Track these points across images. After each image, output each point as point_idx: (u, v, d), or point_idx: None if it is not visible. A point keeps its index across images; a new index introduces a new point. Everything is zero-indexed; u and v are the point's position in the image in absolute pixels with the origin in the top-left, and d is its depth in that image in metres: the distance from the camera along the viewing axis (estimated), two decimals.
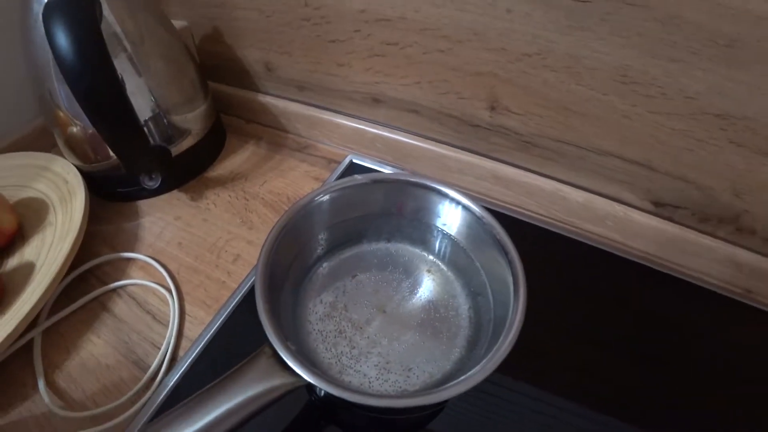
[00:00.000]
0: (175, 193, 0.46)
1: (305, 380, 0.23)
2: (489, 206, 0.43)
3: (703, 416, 0.31)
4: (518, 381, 0.32)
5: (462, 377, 0.23)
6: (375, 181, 0.34)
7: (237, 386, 0.23)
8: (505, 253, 0.29)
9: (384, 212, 0.36)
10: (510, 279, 0.28)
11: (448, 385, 0.23)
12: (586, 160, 0.40)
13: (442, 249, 0.35)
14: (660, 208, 0.40)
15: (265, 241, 0.29)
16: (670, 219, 0.40)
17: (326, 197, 0.33)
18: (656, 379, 0.33)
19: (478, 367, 0.24)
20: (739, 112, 0.32)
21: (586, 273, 0.40)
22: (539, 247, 0.41)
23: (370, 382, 0.30)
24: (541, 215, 0.44)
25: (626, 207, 0.41)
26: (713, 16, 0.29)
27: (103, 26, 0.34)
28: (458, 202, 0.32)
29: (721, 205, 0.37)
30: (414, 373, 0.30)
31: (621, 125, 0.37)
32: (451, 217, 0.33)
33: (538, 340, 0.34)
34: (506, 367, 0.31)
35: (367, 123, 0.48)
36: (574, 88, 0.36)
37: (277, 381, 0.23)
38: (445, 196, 0.33)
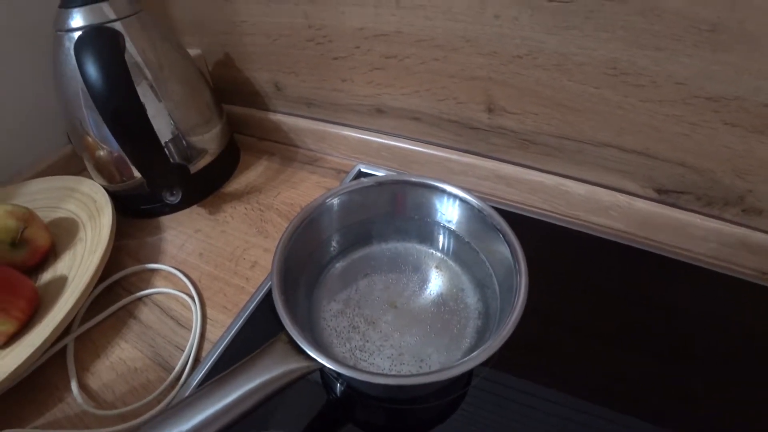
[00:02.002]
0: (194, 208, 0.48)
1: (319, 363, 0.24)
2: (495, 205, 0.44)
3: (722, 405, 0.30)
4: (534, 382, 0.31)
5: (471, 354, 0.24)
6: (379, 183, 0.36)
7: (256, 369, 0.24)
8: (504, 238, 0.30)
9: (389, 212, 0.37)
10: (512, 262, 0.29)
11: (457, 362, 0.24)
12: (585, 153, 0.41)
13: (447, 244, 0.37)
14: (663, 195, 0.40)
15: (280, 240, 0.31)
16: (674, 205, 0.40)
17: (335, 200, 0.35)
18: (674, 369, 0.32)
19: (486, 345, 0.24)
20: (730, 93, 0.33)
21: (595, 264, 0.40)
22: (547, 242, 0.42)
23: (382, 373, 0.30)
24: (546, 210, 0.45)
25: (629, 196, 0.41)
26: (691, 3, 0.30)
27: (126, 57, 0.38)
28: (456, 196, 0.34)
29: (724, 187, 0.37)
30: (426, 363, 0.31)
31: (615, 116, 0.38)
32: (450, 211, 0.35)
33: (551, 336, 0.34)
34: (520, 365, 0.32)
35: (372, 133, 0.51)
36: (567, 85, 0.38)
37: (293, 365, 0.24)
38: (443, 191, 0.34)
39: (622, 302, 0.37)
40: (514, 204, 0.46)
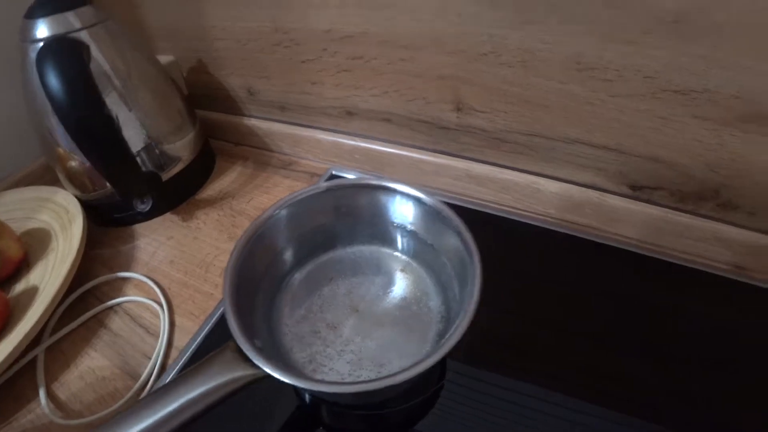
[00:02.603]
0: (167, 216, 0.48)
1: (264, 371, 0.24)
2: (468, 205, 0.44)
3: (698, 399, 0.30)
4: (506, 376, 0.31)
5: (417, 361, 0.24)
6: (328, 189, 0.35)
7: (202, 377, 0.24)
8: (458, 233, 0.29)
9: (345, 217, 0.36)
10: (468, 259, 0.28)
11: (401, 370, 0.24)
12: (556, 150, 0.40)
13: (408, 245, 0.36)
14: (637, 191, 0.40)
15: (233, 251, 0.30)
16: (648, 201, 0.39)
17: (283, 212, 0.34)
18: (649, 365, 0.32)
19: (430, 350, 0.24)
20: (699, 86, 0.32)
21: (568, 262, 0.40)
22: (520, 242, 0.42)
23: (342, 379, 0.30)
24: (519, 209, 0.45)
25: (602, 193, 0.40)
26: None
27: (93, 67, 0.38)
28: (408, 195, 0.33)
29: (698, 182, 0.36)
30: (386, 369, 0.31)
31: (585, 112, 0.37)
32: (407, 211, 0.34)
33: (525, 334, 0.34)
34: (495, 363, 0.32)
35: (344, 136, 0.50)
36: (533, 81, 0.37)
37: (238, 372, 0.24)
38: (395, 191, 0.34)
39: (597, 299, 0.37)
40: (486, 203, 0.46)
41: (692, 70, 0.32)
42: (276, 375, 0.23)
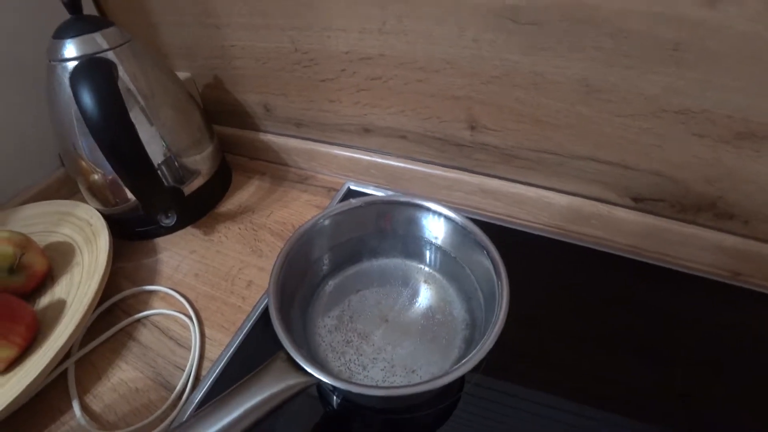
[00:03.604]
0: (189, 230, 0.49)
1: (316, 378, 0.25)
2: (481, 218, 0.46)
3: (703, 404, 0.32)
4: (527, 388, 0.33)
5: (456, 366, 0.26)
6: (367, 204, 0.37)
7: (257, 387, 0.25)
8: (487, 253, 0.31)
9: (378, 231, 0.39)
10: (494, 275, 0.30)
11: (443, 373, 0.25)
12: (565, 165, 0.43)
13: (434, 259, 0.38)
14: (640, 203, 0.42)
15: (274, 265, 0.32)
16: (651, 212, 0.42)
17: (326, 221, 0.36)
18: (657, 370, 0.34)
19: (469, 356, 0.26)
20: (697, 106, 0.35)
21: (579, 272, 0.42)
22: (532, 253, 0.44)
23: (377, 385, 0.32)
24: (530, 222, 0.47)
25: (608, 205, 0.43)
26: (655, 25, 0.32)
27: (119, 84, 0.39)
28: (440, 214, 0.36)
29: (697, 194, 0.39)
30: (417, 374, 0.32)
31: (591, 130, 0.40)
32: (436, 228, 0.36)
33: (538, 344, 0.36)
34: (510, 371, 0.34)
35: (360, 151, 0.52)
36: (543, 102, 0.40)
37: (291, 381, 0.26)
38: (428, 210, 0.36)
39: (605, 307, 0.39)
40: (499, 217, 0.48)
41: (690, 93, 0.34)
42: (330, 381, 0.25)
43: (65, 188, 0.55)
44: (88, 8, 0.53)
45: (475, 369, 0.25)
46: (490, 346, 0.26)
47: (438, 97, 0.44)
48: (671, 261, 0.42)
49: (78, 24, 0.41)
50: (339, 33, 0.44)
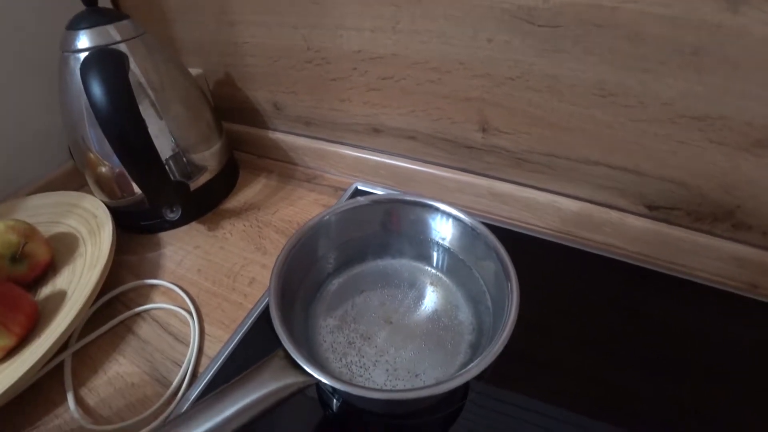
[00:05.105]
0: (193, 225, 0.49)
1: (315, 378, 0.24)
2: (490, 222, 0.45)
3: (714, 419, 0.31)
4: (528, 396, 0.32)
5: (462, 371, 0.25)
6: (375, 202, 0.37)
7: (254, 384, 0.24)
8: (497, 256, 0.30)
9: (385, 230, 0.38)
10: (504, 279, 0.29)
11: (451, 377, 0.24)
12: (577, 170, 0.42)
13: (441, 260, 0.37)
14: (654, 211, 0.41)
15: (277, 259, 0.31)
16: (665, 221, 0.41)
17: (332, 218, 0.36)
18: (666, 382, 0.33)
19: (478, 360, 0.25)
20: (716, 113, 0.34)
21: (588, 280, 0.41)
22: (541, 258, 0.43)
23: (378, 388, 0.31)
24: (540, 227, 0.46)
25: (621, 212, 0.42)
26: (674, 29, 0.32)
27: (130, 77, 0.39)
28: (449, 215, 0.35)
29: (713, 203, 0.38)
30: (421, 379, 0.31)
31: (605, 135, 0.39)
32: (444, 229, 0.36)
33: (546, 352, 0.35)
34: (514, 379, 0.33)
35: (369, 152, 0.52)
36: (557, 105, 0.39)
37: (289, 380, 0.25)
38: (437, 210, 0.35)
39: (616, 317, 0.37)
40: (508, 221, 0.47)
41: (708, 98, 0.34)
42: (330, 382, 0.24)
43: (74, 181, 0.55)
44: (104, 1, 0.54)
45: (481, 375, 0.24)
46: (499, 351, 0.25)
47: (450, 99, 0.43)
48: (685, 271, 0.40)
49: (92, 16, 0.41)
50: (351, 32, 0.43)
